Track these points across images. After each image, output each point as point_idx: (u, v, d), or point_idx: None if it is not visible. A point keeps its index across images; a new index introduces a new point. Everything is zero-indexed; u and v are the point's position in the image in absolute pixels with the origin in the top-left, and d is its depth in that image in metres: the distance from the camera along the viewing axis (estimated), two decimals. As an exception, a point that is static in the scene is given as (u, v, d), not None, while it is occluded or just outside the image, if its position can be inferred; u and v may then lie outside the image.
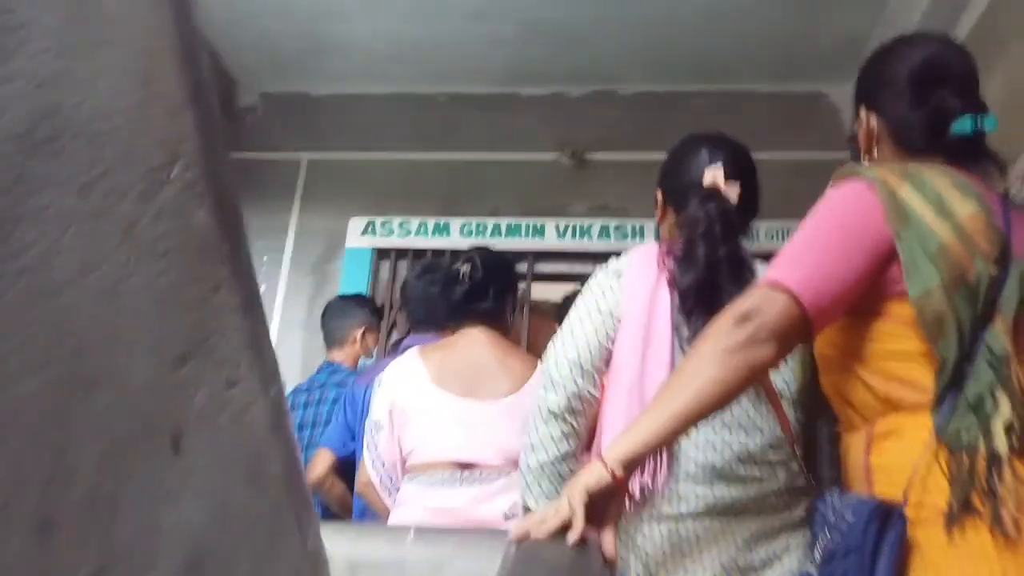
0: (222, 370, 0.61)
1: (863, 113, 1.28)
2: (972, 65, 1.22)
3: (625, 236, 3.80)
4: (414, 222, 3.88)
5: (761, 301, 1.04)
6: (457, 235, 3.83)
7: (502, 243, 3.79)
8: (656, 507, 1.26)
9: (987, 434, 0.97)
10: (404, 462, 1.91)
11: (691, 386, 1.02)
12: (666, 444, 1.08)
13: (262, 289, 4.13)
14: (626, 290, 1.39)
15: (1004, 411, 0.97)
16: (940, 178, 1.10)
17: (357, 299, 3.13)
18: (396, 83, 4.15)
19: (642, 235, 3.78)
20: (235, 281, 0.61)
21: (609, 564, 1.03)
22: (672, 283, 1.37)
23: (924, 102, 1.18)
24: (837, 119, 3.95)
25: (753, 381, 1.08)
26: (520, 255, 3.82)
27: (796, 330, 1.05)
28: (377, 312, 3.15)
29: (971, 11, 3.00)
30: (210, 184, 0.55)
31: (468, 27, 3.70)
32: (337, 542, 0.87)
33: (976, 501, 0.96)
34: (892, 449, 1.09)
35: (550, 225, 3.86)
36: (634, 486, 1.23)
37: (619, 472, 1.02)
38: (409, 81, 4.12)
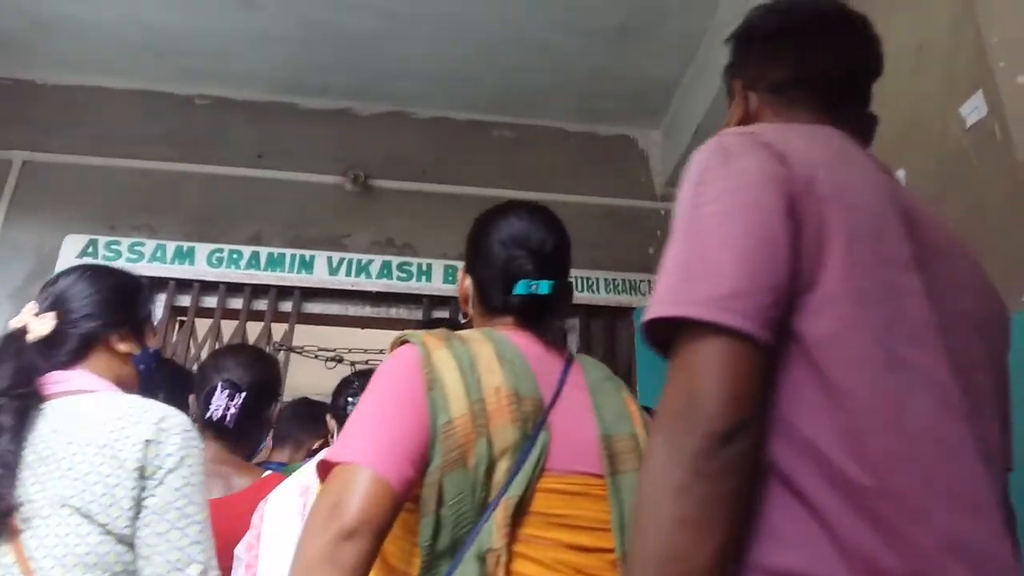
0: None
1: (461, 275, 1.37)
2: (553, 234, 1.29)
3: (410, 276, 3.35)
4: (150, 245, 3.21)
5: (341, 486, 0.95)
6: (204, 264, 3.21)
7: (262, 277, 3.19)
8: None
9: None
10: None
11: None
12: None
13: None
14: None
15: None
16: (483, 346, 1.12)
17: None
18: (145, 78, 3.56)
19: (428, 276, 3.35)
20: None
21: None
22: None
23: (499, 265, 1.27)
24: (645, 165, 3.79)
25: None
26: (285, 291, 3.24)
27: (386, 505, 0.95)
28: None
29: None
30: None
31: (237, 20, 3.12)
32: None
33: None
34: None
35: (321, 258, 3.33)
36: None
37: None
38: (162, 78, 3.57)
